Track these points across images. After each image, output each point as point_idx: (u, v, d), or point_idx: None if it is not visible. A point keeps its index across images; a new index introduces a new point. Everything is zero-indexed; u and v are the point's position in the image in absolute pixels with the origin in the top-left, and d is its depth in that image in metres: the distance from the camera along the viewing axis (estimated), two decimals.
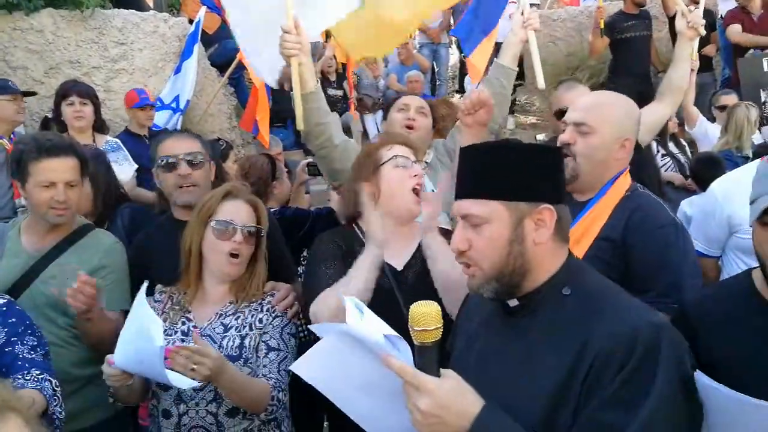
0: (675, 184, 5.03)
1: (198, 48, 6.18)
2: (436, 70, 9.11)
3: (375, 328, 1.30)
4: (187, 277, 2.18)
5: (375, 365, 1.27)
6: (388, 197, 2.12)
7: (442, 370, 1.25)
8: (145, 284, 1.95)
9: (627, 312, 1.34)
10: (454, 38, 9.21)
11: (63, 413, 2.01)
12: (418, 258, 2.10)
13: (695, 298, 1.78)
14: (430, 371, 1.24)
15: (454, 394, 1.23)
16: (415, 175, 2.12)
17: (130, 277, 2.56)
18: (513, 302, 1.43)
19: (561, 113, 3.09)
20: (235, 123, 6.87)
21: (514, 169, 1.38)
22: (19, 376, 1.95)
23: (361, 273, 1.95)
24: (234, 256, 2.11)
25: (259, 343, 2.09)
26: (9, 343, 2.01)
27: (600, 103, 2.20)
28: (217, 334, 2.10)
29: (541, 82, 2.92)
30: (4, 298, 2.12)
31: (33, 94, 4.79)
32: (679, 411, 1.26)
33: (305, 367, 1.29)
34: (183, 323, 2.15)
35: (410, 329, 1.23)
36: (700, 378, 1.31)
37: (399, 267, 2.13)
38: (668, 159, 5.31)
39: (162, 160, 2.58)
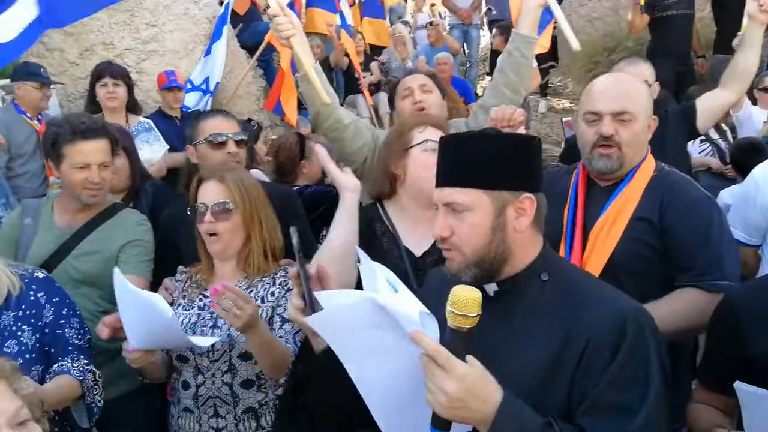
0: (712, 169, 4.91)
1: (227, 30, 6.20)
2: (467, 52, 9.02)
3: (410, 303, 1.30)
4: (201, 257, 2.26)
5: (395, 337, 1.27)
6: (415, 181, 2.10)
7: (467, 357, 1.26)
8: (117, 269, 1.98)
9: (611, 297, 1.43)
10: (485, 19, 9.13)
11: (102, 402, 2.09)
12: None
13: (742, 289, 1.78)
14: (458, 355, 1.24)
15: (481, 382, 1.25)
16: None
17: (161, 254, 2.63)
18: (492, 287, 1.46)
19: None
20: (262, 105, 6.88)
21: (497, 159, 1.42)
22: (68, 360, 2.04)
23: (341, 221, 1.94)
24: (212, 235, 2.14)
25: (273, 316, 2.12)
26: (58, 325, 2.09)
27: (631, 88, 2.16)
28: None
29: (575, 44, 2.77)
30: (44, 273, 2.18)
31: (60, 83, 4.85)
32: (666, 392, 1.35)
33: (322, 322, 1.30)
34: (200, 299, 2.21)
35: (448, 311, 1.23)
36: (741, 387, 1.32)
37: (418, 253, 2.11)
38: (707, 145, 5.17)
39: (211, 137, 2.64)
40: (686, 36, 6.78)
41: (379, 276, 1.40)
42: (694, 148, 4.95)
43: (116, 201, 2.73)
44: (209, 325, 2.12)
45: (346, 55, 7.67)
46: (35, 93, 4.25)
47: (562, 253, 2.14)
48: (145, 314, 1.90)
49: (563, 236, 2.16)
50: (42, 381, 1.98)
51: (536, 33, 2.86)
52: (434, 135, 2.11)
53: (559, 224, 2.16)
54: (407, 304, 1.28)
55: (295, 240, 1.42)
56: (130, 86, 4.37)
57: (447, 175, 1.46)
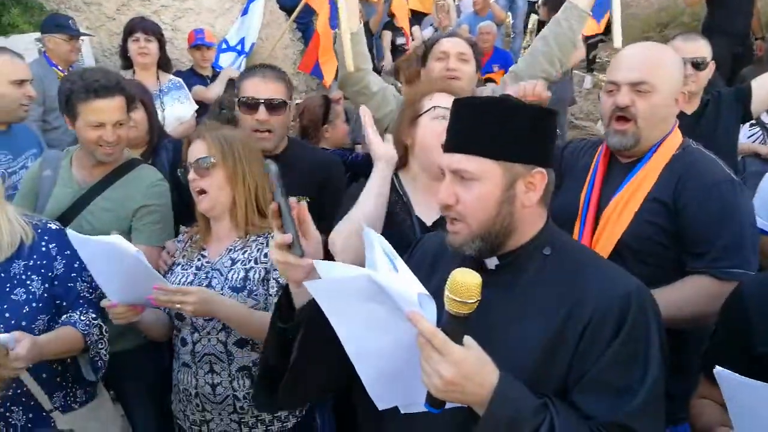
0: (761, 155, 4.66)
1: None
2: (511, 21, 8.75)
3: (408, 282, 1.24)
4: (198, 217, 2.25)
5: (392, 315, 1.23)
6: (423, 150, 2.03)
7: (465, 338, 1.22)
8: (69, 230, 2.00)
9: (614, 274, 1.40)
10: None
11: (107, 356, 2.11)
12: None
13: (757, 280, 1.65)
14: (455, 339, 1.20)
15: (478, 365, 1.21)
16: None
17: (179, 211, 2.61)
18: (493, 261, 1.42)
19: None
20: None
21: (512, 129, 1.36)
22: (77, 313, 2.05)
23: (370, 193, 1.94)
24: (200, 193, 2.14)
25: (269, 279, 2.09)
26: (69, 277, 2.09)
27: (654, 57, 2.02)
28: (225, 267, 2.13)
29: (617, 41, 2.68)
30: (57, 225, 2.18)
31: (90, 35, 4.83)
32: (664, 375, 1.32)
33: (319, 290, 1.25)
34: (198, 259, 2.21)
35: (446, 296, 1.18)
36: (723, 373, 1.24)
37: (428, 222, 2.04)
38: (758, 129, 4.89)
39: (243, 99, 2.55)
40: (746, 14, 6.40)
41: (377, 249, 1.35)
42: (743, 132, 4.70)
43: (134, 156, 2.70)
44: (205, 284, 2.11)
45: (392, 17, 7.51)
46: (65, 45, 4.23)
47: (576, 233, 2.05)
48: (112, 261, 1.90)
49: (579, 215, 2.06)
50: (47, 330, 1.99)
51: (591, 8, 2.72)
52: (444, 101, 2.02)
53: (577, 200, 2.07)
54: (405, 284, 1.23)
55: (273, 170, 1.33)
56: (162, 43, 4.33)
57: (457, 141, 1.39)
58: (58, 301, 2.07)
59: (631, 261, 1.91)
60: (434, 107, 2.03)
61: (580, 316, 1.31)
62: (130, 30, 4.27)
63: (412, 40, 7.91)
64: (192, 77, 4.90)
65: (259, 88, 2.52)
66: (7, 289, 1.96)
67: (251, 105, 2.50)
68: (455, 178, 1.38)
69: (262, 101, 2.49)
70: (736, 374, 1.21)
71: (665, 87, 1.97)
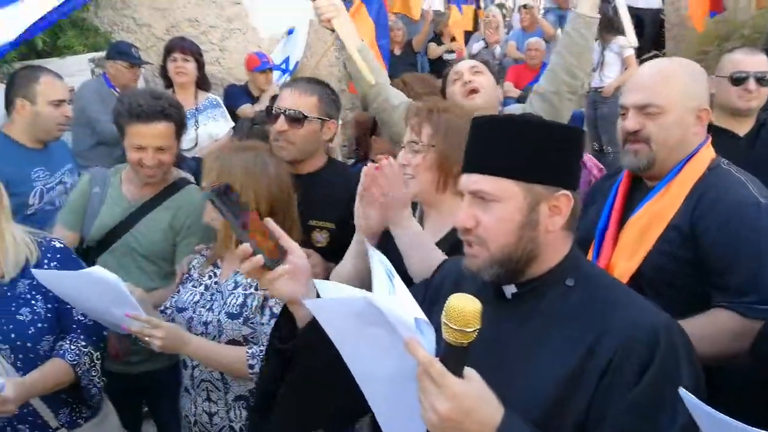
0: None
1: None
2: None
3: (406, 306, 1.18)
4: (218, 234, 2.24)
5: (393, 339, 1.16)
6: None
7: (466, 370, 1.12)
8: (37, 270, 2.00)
9: (642, 308, 1.28)
10: None
11: (101, 382, 2.11)
12: (448, 241, 1.94)
13: None
14: (454, 371, 1.10)
15: (478, 402, 1.10)
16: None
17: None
18: (510, 289, 1.33)
19: (739, 80, 2.84)
20: (344, 87, 6.87)
21: (536, 148, 1.27)
22: (67, 341, 2.05)
23: (348, 259, 1.94)
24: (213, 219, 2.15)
25: (264, 307, 2.07)
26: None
27: (662, 76, 1.90)
28: (228, 290, 2.12)
29: (632, 39, 2.59)
30: (62, 243, 2.19)
31: (149, 63, 5.03)
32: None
33: (320, 308, 1.21)
34: (209, 277, 2.21)
35: (443, 323, 1.08)
36: (687, 398, 1.10)
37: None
38: None
39: (271, 108, 2.60)
40: None
41: (377, 267, 1.30)
42: None
43: (183, 176, 2.75)
44: (207, 307, 2.12)
45: (435, 36, 7.54)
46: (126, 73, 4.41)
47: (590, 256, 1.95)
48: (90, 290, 1.93)
49: (593, 239, 1.97)
50: (52, 350, 2.02)
51: (597, 12, 2.64)
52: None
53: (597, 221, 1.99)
54: (403, 308, 1.16)
55: (207, 198, 1.35)
56: (200, 62, 4.45)
57: (477, 161, 1.32)
58: (59, 321, 2.07)
59: (645, 291, 1.75)
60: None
61: (602, 353, 1.20)
62: (169, 50, 4.42)
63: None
64: (243, 96, 5.05)
65: (285, 98, 2.48)
66: (13, 309, 1.97)
67: (274, 114, 2.48)
68: (474, 200, 1.30)
69: (282, 111, 2.43)
70: (702, 403, 1.08)
71: (678, 106, 1.85)
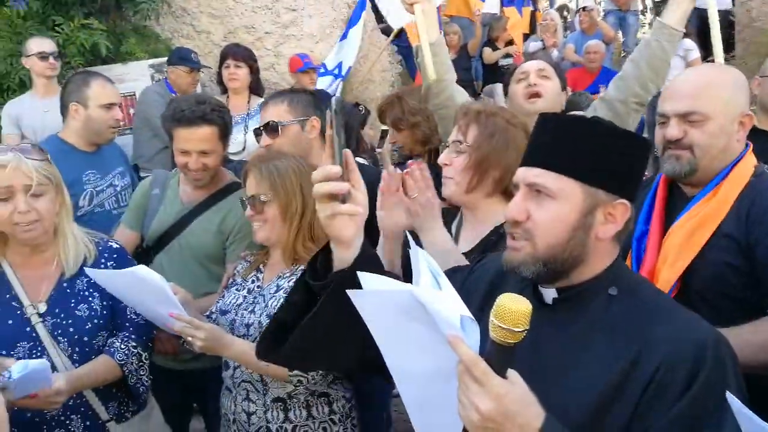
0: None
1: (365, 15, 6.27)
2: (622, 40, 8.36)
3: (452, 303, 1.16)
4: None
5: (434, 336, 1.15)
6: None
7: (509, 373, 1.11)
8: (88, 269, 2.07)
9: (688, 322, 1.25)
10: (649, 3, 8.39)
11: (149, 381, 2.18)
12: (482, 246, 1.92)
13: None
14: (498, 371, 1.09)
15: (521, 404, 1.09)
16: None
17: None
18: (551, 294, 1.30)
19: None
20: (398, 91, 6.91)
21: (603, 153, 1.26)
22: (119, 340, 2.12)
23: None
24: (257, 224, 2.18)
25: None
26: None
27: (704, 83, 1.85)
28: (270, 293, 2.16)
29: (719, 52, 2.47)
30: (118, 244, 2.29)
31: (208, 67, 5.17)
32: None
33: (362, 300, 1.19)
34: (252, 281, 2.26)
35: (491, 321, 1.08)
36: (733, 402, 1.09)
37: (463, 249, 1.97)
38: None
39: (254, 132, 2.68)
40: None
41: (422, 264, 1.27)
42: None
43: (235, 180, 2.80)
44: (249, 309, 2.16)
45: (489, 41, 7.47)
46: (186, 77, 4.55)
47: (627, 263, 1.90)
48: (137, 289, 1.99)
49: (630, 248, 1.92)
50: (105, 345, 2.11)
51: (683, 26, 2.55)
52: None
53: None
54: (448, 305, 1.14)
55: (333, 105, 1.23)
56: (253, 68, 4.55)
57: (540, 155, 1.30)
58: (114, 319, 2.16)
59: (696, 302, 1.74)
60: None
61: (645, 366, 1.18)
62: (223, 56, 4.54)
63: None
64: None
65: (261, 116, 2.62)
66: (72, 305, 2.07)
67: (257, 134, 2.61)
68: (530, 194, 1.29)
69: (260, 127, 2.58)
70: (742, 405, 1.08)
71: (721, 113, 1.81)
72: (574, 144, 1.26)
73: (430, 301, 1.11)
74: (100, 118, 3.15)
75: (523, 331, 1.06)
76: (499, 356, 1.08)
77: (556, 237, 1.25)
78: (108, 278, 2.05)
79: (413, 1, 2.51)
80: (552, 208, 1.26)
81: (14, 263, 2.08)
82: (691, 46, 6.81)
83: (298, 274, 2.09)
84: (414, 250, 1.30)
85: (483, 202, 1.97)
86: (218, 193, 2.69)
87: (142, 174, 4.37)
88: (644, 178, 2.19)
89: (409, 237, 1.35)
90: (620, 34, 8.32)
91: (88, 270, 2.05)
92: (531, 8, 9.33)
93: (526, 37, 8.81)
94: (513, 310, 1.05)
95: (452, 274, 1.51)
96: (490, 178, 1.93)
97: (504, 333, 1.06)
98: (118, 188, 3.35)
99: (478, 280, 1.49)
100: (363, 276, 1.21)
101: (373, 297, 1.19)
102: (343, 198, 1.23)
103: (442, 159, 1.99)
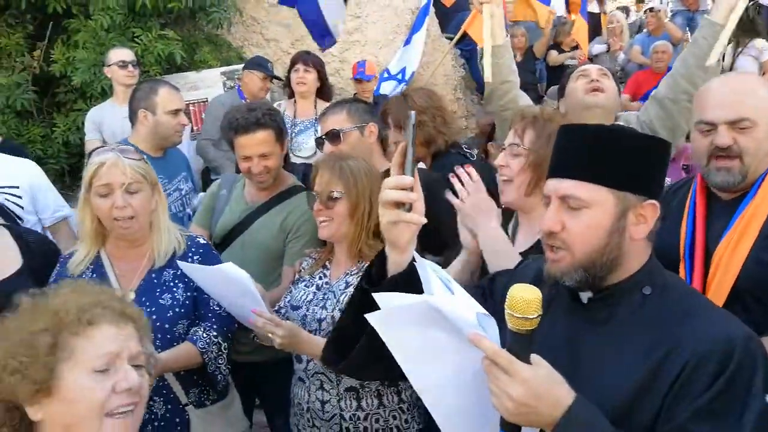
0: None
1: (429, 20, 6.35)
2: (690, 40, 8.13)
3: (466, 304, 1.24)
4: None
5: (454, 340, 1.22)
6: None
7: (532, 357, 1.19)
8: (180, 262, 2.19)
9: (719, 319, 1.30)
10: None
11: (227, 370, 2.28)
12: (537, 250, 1.94)
13: None
14: (521, 357, 1.17)
15: (549, 384, 1.17)
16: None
17: None
18: (587, 294, 1.35)
19: None
20: (460, 95, 6.93)
21: (628, 158, 1.33)
22: (201, 328, 2.24)
23: (451, 269, 1.97)
24: (323, 221, 2.23)
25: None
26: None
27: (747, 89, 1.87)
28: (340, 290, 2.22)
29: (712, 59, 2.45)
30: (205, 240, 2.44)
31: (279, 79, 5.34)
32: None
33: (381, 320, 1.24)
34: (320, 278, 2.32)
35: (507, 313, 1.16)
36: None
37: (519, 250, 2.00)
38: None
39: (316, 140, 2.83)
40: None
41: (431, 275, 1.33)
42: None
43: (298, 183, 2.92)
44: (320, 305, 2.23)
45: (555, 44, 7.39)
46: (258, 83, 4.71)
47: (681, 276, 1.90)
48: (224, 284, 2.08)
49: (681, 257, 1.92)
50: (185, 334, 2.23)
51: (726, 20, 2.52)
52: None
53: (676, 242, 1.92)
54: (464, 306, 1.22)
55: (411, 119, 1.28)
56: (321, 74, 4.68)
57: (568, 167, 1.35)
58: (196, 310, 2.28)
59: (751, 306, 1.75)
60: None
61: (676, 361, 1.23)
62: (293, 62, 4.69)
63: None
64: None
65: (321, 126, 2.77)
66: (157, 294, 2.20)
67: (320, 142, 2.76)
68: (562, 205, 1.34)
69: (323, 137, 2.72)
70: None
71: (764, 117, 1.83)
72: (600, 152, 1.32)
73: (446, 305, 1.18)
74: (167, 124, 3.28)
75: (537, 317, 1.14)
76: (519, 344, 1.17)
77: (593, 243, 1.31)
78: (197, 272, 2.16)
79: (483, 1, 2.55)
80: (586, 216, 1.31)
81: (112, 255, 2.24)
82: (764, 46, 6.58)
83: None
84: (421, 263, 1.34)
85: (539, 206, 2.00)
86: (280, 194, 2.80)
87: (212, 177, 4.57)
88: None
89: (414, 252, 1.36)
90: (688, 34, 8.08)
91: (180, 263, 2.18)
92: (598, 11, 9.17)
93: (591, 37, 8.66)
94: (524, 299, 1.14)
95: (497, 276, 1.60)
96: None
97: (520, 321, 1.14)
98: (183, 192, 3.48)
99: (520, 280, 1.53)
100: (378, 296, 1.26)
101: (391, 314, 1.24)
102: (409, 206, 1.28)
103: (498, 161, 2.05)
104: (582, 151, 1.34)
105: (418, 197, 1.29)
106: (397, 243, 1.32)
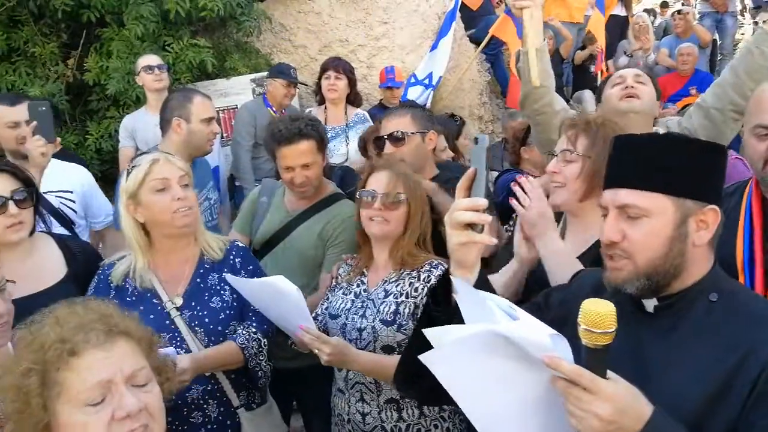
0: None
1: (455, 25, 6.34)
2: (719, 42, 8.04)
3: (535, 326, 1.20)
4: (362, 244, 2.38)
5: (517, 368, 1.19)
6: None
7: (608, 373, 1.17)
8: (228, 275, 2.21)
9: None
10: (749, 3, 8.03)
11: (268, 367, 2.30)
12: (590, 255, 1.94)
13: None
14: (599, 374, 1.16)
15: (631, 398, 1.17)
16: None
17: None
18: (652, 302, 1.35)
19: None
20: (486, 99, 6.91)
21: (686, 165, 1.32)
22: (242, 326, 2.27)
23: (500, 278, 1.99)
24: (380, 222, 2.23)
25: (416, 314, 2.14)
26: None
27: None
28: (379, 298, 2.22)
29: None
30: (243, 243, 2.47)
31: (304, 84, 5.38)
32: None
33: (436, 360, 1.21)
34: (358, 285, 2.33)
35: (582, 329, 1.14)
36: None
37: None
38: None
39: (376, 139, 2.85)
40: None
41: (489, 303, 1.28)
42: None
43: (337, 191, 2.96)
44: (359, 314, 2.24)
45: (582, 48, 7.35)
46: (282, 90, 4.77)
47: (740, 280, 1.87)
48: (272, 298, 2.09)
49: (740, 269, 1.89)
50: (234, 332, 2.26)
51: None
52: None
53: (732, 251, 1.90)
54: (532, 330, 1.18)
55: (484, 141, 1.32)
56: (352, 80, 4.71)
57: (626, 176, 1.36)
58: (242, 309, 2.31)
59: None
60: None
61: (751, 367, 1.22)
62: (324, 68, 4.73)
63: (606, 70, 7.63)
64: (380, 112, 5.26)
65: (384, 125, 2.78)
66: (206, 298, 2.24)
67: (380, 142, 2.79)
68: (621, 215, 1.34)
69: (385, 136, 2.74)
70: None
71: None
72: (657, 160, 1.32)
73: (515, 332, 1.15)
74: (201, 132, 3.30)
75: (613, 331, 1.12)
76: (595, 360, 1.15)
77: (655, 251, 1.31)
78: (244, 285, 2.19)
79: (522, 5, 2.54)
80: (646, 225, 1.31)
81: (155, 264, 2.28)
82: None
83: (405, 278, 2.19)
84: (475, 295, 1.30)
85: (592, 210, 1.99)
86: (320, 202, 2.84)
87: (237, 183, 4.61)
88: None
89: (455, 282, 1.34)
90: (716, 36, 8.01)
91: (227, 276, 2.22)
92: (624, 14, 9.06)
93: (617, 41, 8.57)
94: (599, 313, 1.12)
95: (552, 292, 1.59)
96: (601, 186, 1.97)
97: (596, 336, 1.12)
98: (212, 201, 3.53)
99: (576, 295, 1.52)
100: (429, 332, 1.24)
101: (449, 350, 1.20)
102: (481, 227, 1.30)
103: (550, 167, 2.05)
104: (638, 159, 1.34)
105: (491, 219, 1.31)
106: (464, 263, 1.34)
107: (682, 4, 9.83)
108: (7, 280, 1.71)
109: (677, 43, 7.41)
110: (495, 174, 5.74)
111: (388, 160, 2.49)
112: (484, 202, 1.30)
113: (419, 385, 1.42)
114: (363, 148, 3.71)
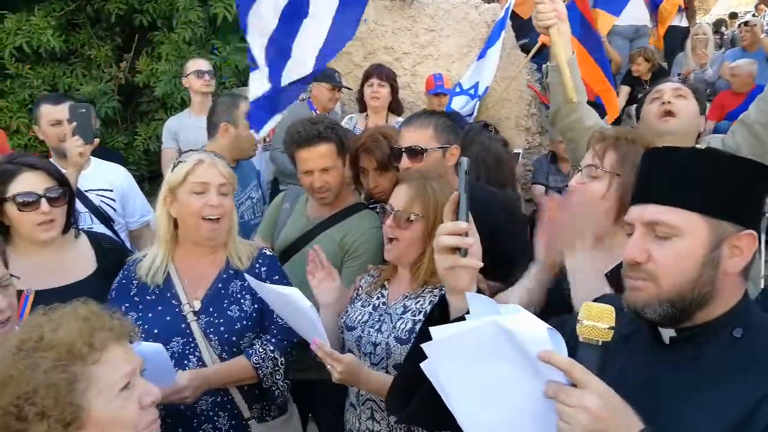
0: None
1: (505, 34, 6.22)
2: None
3: (534, 320, 1.18)
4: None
5: (515, 370, 1.16)
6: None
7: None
8: (248, 276, 2.16)
9: None
10: None
11: (285, 385, 2.26)
12: (613, 274, 1.83)
13: None
14: (594, 372, 1.12)
15: (622, 406, 1.10)
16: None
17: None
18: (669, 333, 1.25)
19: None
20: (535, 110, 6.76)
21: (725, 182, 1.21)
22: (259, 342, 2.22)
23: (520, 286, 1.94)
24: (389, 240, 2.16)
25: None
26: None
27: None
28: (397, 314, 2.15)
29: None
30: (271, 252, 2.45)
31: (348, 88, 5.37)
32: None
33: (437, 350, 1.20)
34: (377, 298, 2.26)
35: (580, 324, 1.13)
36: None
37: None
38: None
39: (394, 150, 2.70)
40: None
41: (498, 308, 1.26)
42: None
43: (360, 201, 2.90)
44: (376, 327, 2.17)
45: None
46: (326, 93, 4.78)
47: None
48: (287, 307, 2.06)
49: None
50: (252, 345, 2.22)
51: None
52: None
53: None
54: (531, 322, 1.16)
55: (463, 164, 1.31)
56: (394, 88, 4.68)
57: (656, 191, 1.26)
58: (262, 323, 2.27)
59: None
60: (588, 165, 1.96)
61: (764, 416, 1.12)
62: (367, 75, 4.71)
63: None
64: None
65: (403, 136, 2.62)
66: (224, 306, 2.21)
67: (397, 154, 2.62)
68: (648, 232, 1.24)
69: (403, 149, 2.58)
70: None
71: None
72: (693, 176, 1.22)
73: (514, 324, 1.13)
74: (248, 137, 3.37)
75: (610, 328, 1.10)
76: (593, 356, 1.13)
77: (683, 275, 1.21)
78: (264, 289, 2.16)
79: (547, 24, 2.47)
80: (676, 245, 1.21)
81: (181, 264, 2.27)
82: None
83: (426, 296, 2.13)
84: (488, 319, 1.22)
85: (621, 233, 1.89)
86: (342, 212, 2.78)
87: (281, 187, 4.63)
88: None
89: (469, 299, 1.29)
90: None
91: (248, 276, 2.18)
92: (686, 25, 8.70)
93: (675, 53, 8.24)
94: (596, 307, 1.12)
95: (567, 320, 1.49)
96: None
97: (594, 331, 1.11)
98: (255, 200, 3.58)
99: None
100: (435, 330, 1.22)
101: (449, 344, 1.19)
102: (465, 251, 1.30)
103: (573, 182, 1.96)
104: (672, 173, 1.24)
105: (473, 242, 1.30)
106: (456, 288, 1.33)
107: (753, 15, 9.43)
108: (11, 275, 1.73)
109: (743, 56, 7.08)
110: (542, 188, 5.64)
111: (414, 173, 2.35)
112: (465, 225, 1.29)
113: (410, 403, 1.40)
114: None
